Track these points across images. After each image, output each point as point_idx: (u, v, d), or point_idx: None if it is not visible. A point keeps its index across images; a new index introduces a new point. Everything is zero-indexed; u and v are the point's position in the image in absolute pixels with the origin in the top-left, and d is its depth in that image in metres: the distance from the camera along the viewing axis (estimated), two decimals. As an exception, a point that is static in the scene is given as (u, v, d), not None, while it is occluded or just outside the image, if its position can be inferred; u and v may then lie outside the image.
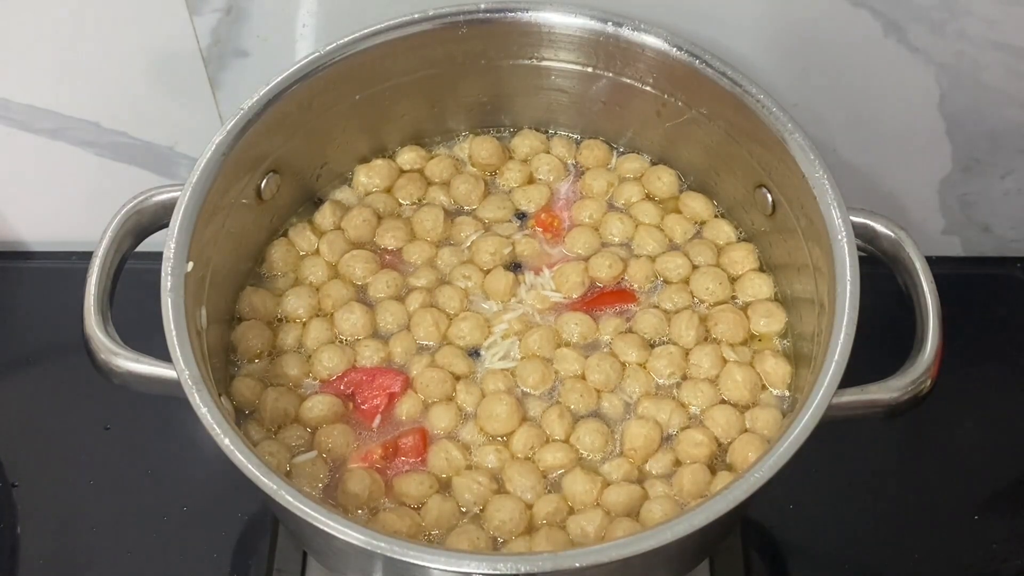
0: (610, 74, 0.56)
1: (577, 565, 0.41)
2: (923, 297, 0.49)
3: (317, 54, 0.52)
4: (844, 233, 0.47)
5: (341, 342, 0.53)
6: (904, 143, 0.64)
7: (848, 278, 0.46)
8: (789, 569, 0.60)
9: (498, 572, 0.40)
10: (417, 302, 0.54)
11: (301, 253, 0.56)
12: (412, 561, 0.40)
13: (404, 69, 0.55)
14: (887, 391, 0.47)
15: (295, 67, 0.52)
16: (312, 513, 0.41)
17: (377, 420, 0.51)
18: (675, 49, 0.52)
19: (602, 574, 0.42)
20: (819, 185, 0.48)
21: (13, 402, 0.66)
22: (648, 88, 0.55)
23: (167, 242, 0.48)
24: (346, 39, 0.52)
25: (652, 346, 0.53)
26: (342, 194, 0.58)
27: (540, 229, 0.57)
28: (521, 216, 0.57)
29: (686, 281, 0.55)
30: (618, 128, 0.59)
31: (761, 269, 0.56)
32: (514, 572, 0.40)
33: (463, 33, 0.54)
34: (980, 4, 0.56)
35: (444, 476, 0.49)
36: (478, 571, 0.41)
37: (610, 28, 0.53)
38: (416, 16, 0.53)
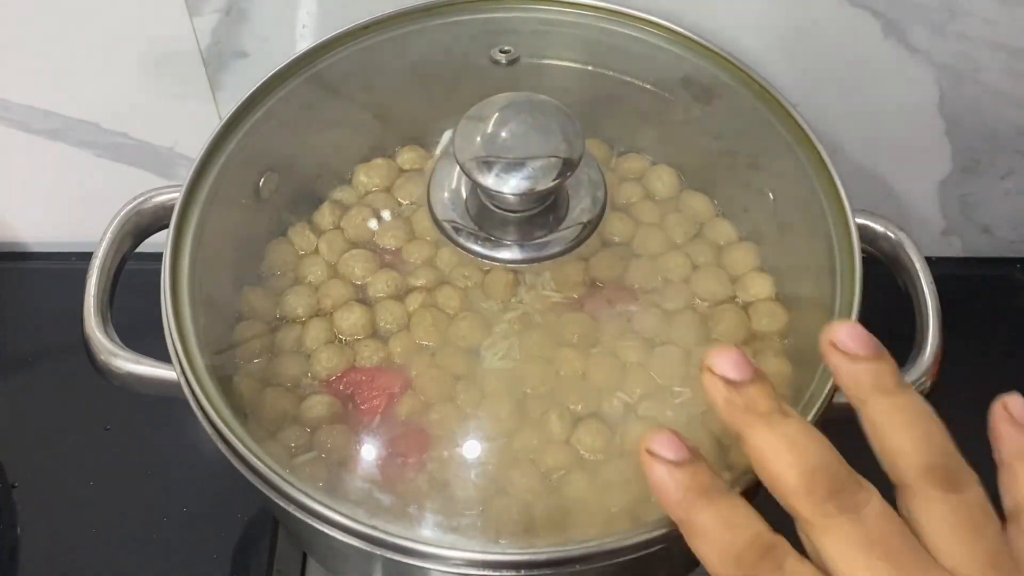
0: (611, 71, 0.56)
1: (578, 567, 0.41)
2: (923, 297, 0.49)
3: (312, 46, 0.52)
4: (849, 233, 0.48)
5: (340, 342, 0.53)
6: (904, 143, 0.64)
7: (852, 278, 0.47)
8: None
9: (498, 574, 0.41)
10: (417, 302, 0.54)
11: (300, 252, 0.56)
12: (411, 563, 0.40)
13: (403, 66, 0.55)
14: (887, 392, 0.47)
15: (290, 60, 0.52)
16: (315, 513, 0.41)
17: (377, 420, 0.51)
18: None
19: (602, 574, 0.43)
20: (826, 184, 0.49)
21: (13, 402, 0.66)
22: (648, 86, 0.55)
23: (167, 242, 0.48)
24: (340, 31, 0.53)
25: (652, 346, 0.53)
26: (341, 193, 0.58)
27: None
28: (521, 216, 0.57)
29: (687, 281, 0.55)
30: (618, 127, 0.59)
31: (762, 269, 0.56)
32: (514, 574, 0.41)
33: (460, 31, 0.54)
34: (980, 4, 0.56)
35: (443, 476, 0.49)
36: (478, 572, 0.41)
37: (610, 26, 0.54)
38: (410, 7, 0.54)
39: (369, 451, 0.50)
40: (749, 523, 0.34)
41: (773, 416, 0.35)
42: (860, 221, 0.50)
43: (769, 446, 0.34)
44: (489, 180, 0.46)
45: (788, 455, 0.34)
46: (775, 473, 0.34)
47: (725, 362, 0.36)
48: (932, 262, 0.50)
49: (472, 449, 0.50)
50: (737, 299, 0.55)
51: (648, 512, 0.48)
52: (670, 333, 0.53)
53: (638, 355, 0.52)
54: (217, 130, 0.51)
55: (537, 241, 0.50)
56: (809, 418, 0.44)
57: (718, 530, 0.34)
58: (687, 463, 0.35)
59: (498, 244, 0.50)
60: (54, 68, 0.61)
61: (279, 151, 0.54)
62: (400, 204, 0.58)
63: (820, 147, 0.50)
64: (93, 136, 0.64)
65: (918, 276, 0.49)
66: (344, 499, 0.48)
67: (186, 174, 0.49)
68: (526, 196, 0.46)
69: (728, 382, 0.35)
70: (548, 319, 0.54)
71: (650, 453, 0.35)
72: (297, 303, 0.54)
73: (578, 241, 0.50)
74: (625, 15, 0.55)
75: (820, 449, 0.35)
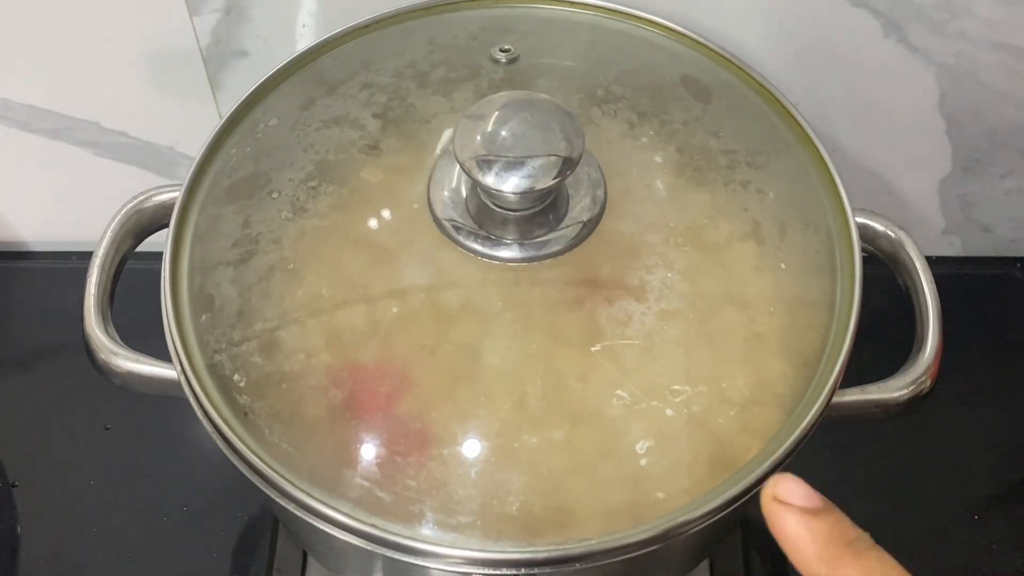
0: (611, 70, 0.56)
1: (578, 566, 0.41)
2: (923, 297, 0.49)
3: (314, 44, 0.53)
4: (849, 232, 0.48)
5: (340, 341, 0.53)
6: (904, 143, 0.64)
7: (851, 277, 0.47)
8: (789, 569, 0.60)
9: (498, 573, 0.41)
10: (417, 301, 0.54)
11: (300, 251, 0.56)
12: (412, 561, 0.40)
13: (403, 65, 0.55)
14: (887, 391, 0.47)
15: (290, 59, 0.52)
16: (316, 511, 0.41)
17: (377, 419, 0.51)
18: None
19: (601, 574, 0.43)
20: (826, 183, 0.49)
21: (13, 402, 0.66)
22: (648, 85, 0.55)
23: (167, 242, 0.48)
24: (340, 30, 0.53)
25: (652, 346, 0.53)
26: (341, 192, 0.58)
27: (540, 229, 0.57)
28: (522, 216, 0.57)
29: (686, 281, 0.55)
30: (618, 126, 0.59)
31: (762, 268, 0.56)
32: (514, 573, 0.41)
33: (460, 30, 0.54)
34: (980, 4, 0.56)
35: (443, 475, 0.49)
36: (478, 570, 0.41)
37: (610, 28, 0.54)
38: (410, 6, 0.54)
39: (369, 450, 0.50)
40: None
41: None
42: (860, 220, 0.50)
43: None
44: (489, 179, 0.46)
45: None
46: None
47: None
48: (932, 261, 0.50)
49: (472, 448, 0.50)
50: (737, 299, 0.55)
51: (648, 512, 0.48)
52: (670, 332, 0.53)
53: (638, 355, 0.52)
54: (217, 129, 0.51)
55: (537, 240, 0.50)
56: (809, 417, 0.44)
57: None
58: (823, 512, 0.32)
59: (498, 243, 0.50)
60: (55, 68, 0.61)
61: (279, 150, 0.54)
62: (400, 203, 0.58)
63: (820, 146, 0.50)
64: (93, 136, 0.64)
65: (918, 275, 0.49)
66: (344, 498, 0.48)
67: (186, 173, 0.49)
68: (526, 195, 0.46)
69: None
70: (548, 318, 0.54)
71: (778, 501, 0.33)
72: (297, 302, 0.54)
73: (578, 240, 0.50)
74: (625, 14, 0.55)
75: None
